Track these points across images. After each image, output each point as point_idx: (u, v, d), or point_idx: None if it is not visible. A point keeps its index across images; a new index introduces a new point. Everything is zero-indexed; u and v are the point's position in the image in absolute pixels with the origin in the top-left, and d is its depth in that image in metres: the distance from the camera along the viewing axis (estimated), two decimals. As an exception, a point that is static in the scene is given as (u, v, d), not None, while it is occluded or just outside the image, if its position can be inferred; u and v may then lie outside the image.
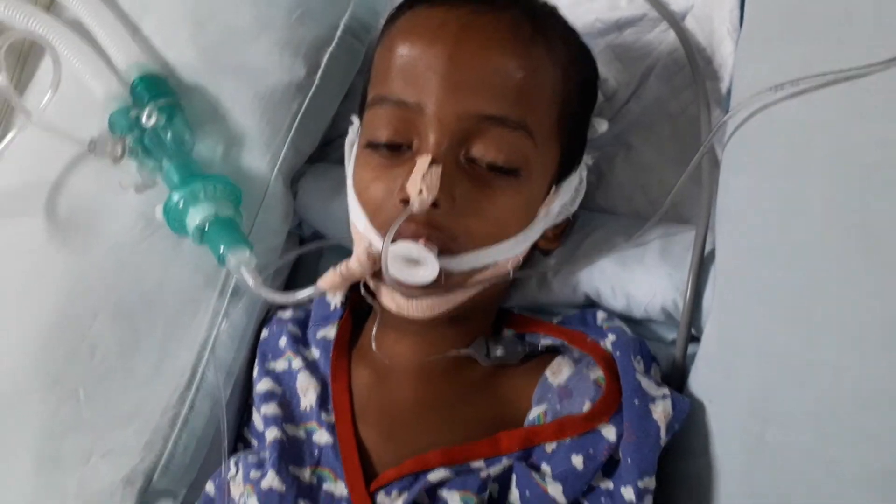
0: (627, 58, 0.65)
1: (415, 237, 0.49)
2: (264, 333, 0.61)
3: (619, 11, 0.66)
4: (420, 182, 0.48)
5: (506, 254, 0.53)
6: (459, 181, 0.50)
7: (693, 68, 0.60)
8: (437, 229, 0.50)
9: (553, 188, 0.54)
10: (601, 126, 0.59)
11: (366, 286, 0.55)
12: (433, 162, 0.48)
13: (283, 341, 0.59)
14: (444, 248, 0.50)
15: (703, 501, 0.48)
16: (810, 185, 0.44)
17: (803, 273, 0.44)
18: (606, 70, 0.63)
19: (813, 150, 0.45)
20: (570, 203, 0.57)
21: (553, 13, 0.57)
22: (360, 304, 0.59)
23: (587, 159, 0.58)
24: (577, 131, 0.57)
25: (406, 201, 0.49)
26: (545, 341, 0.56)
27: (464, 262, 0.51)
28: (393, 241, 0.48)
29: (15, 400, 0.54)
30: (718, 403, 0.49)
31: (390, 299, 0.53)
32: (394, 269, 0.49)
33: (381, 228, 0.51)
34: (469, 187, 0.50)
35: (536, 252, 0.59)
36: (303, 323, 0.61)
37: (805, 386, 0.42)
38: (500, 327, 0.59)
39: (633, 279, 0.56)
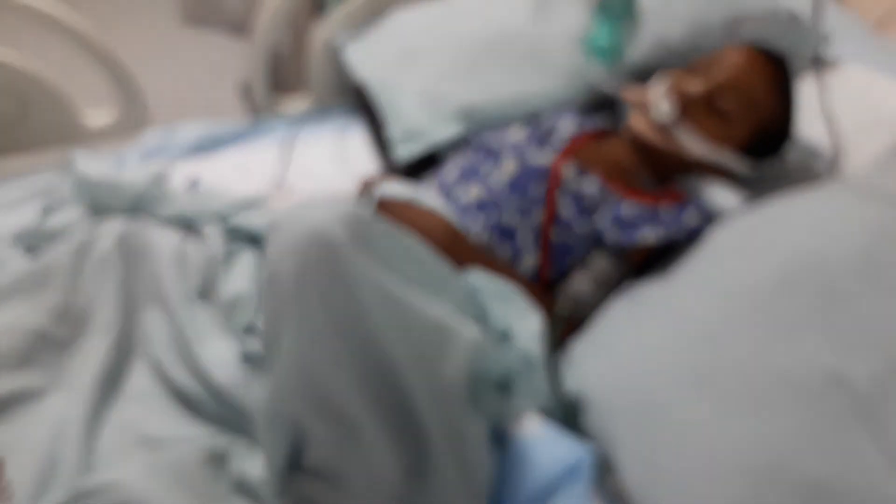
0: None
1: (672, 99, 0.99)
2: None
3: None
4: (698, 86, 1.00)
5: (693, 147, 1.00)
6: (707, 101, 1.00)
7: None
8: (683, 106, 1.00)
9: (731, 151, 1.01)
10: (766, 167, 1.07)
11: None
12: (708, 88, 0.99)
13: (569, 115, 1.13)
14: (676, 117, 0.99)
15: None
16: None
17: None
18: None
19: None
20: (733, 167, 1.03)
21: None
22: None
23: (751, 167, 1.04)
24: (758, 145, 1.03)
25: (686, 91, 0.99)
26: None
27: (678, 130, 1.00)
28: (663, 94, 1.00)
29: None
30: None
31: (636, 119, 1.03)
32: (654, 105, 1.00)
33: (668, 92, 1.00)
34: (708, 105, 1.00)
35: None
36: (579, 120, 1.12)
37: None
38: (660, 180, 1.06)
39: (720, 195, 1.01)
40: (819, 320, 0.74)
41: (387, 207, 0.97)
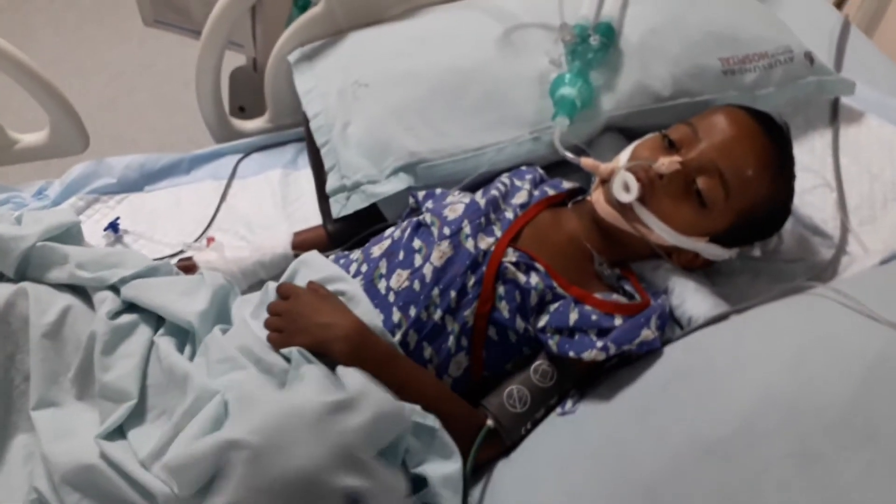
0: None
1: (637, 177, 0.82)
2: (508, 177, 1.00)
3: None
4: (671, 163, 0.83)
5: (662, 233, 0.85)
6: (681, 181, 0.84)
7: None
8: (650, 186, 0.83)
9: (708, 238, 0.85)
10: (755, 251, 0.89)
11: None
12: (681, 163, 0.83)
13: (528, 176, 0.99)
14: (642, 198, 0.83)
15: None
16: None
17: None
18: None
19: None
20: (709, 255, 0.89)
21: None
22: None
23: (734, 252, 0.88)
24: (745, 230, 0.87)
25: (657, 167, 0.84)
26: (627, 287, 0.88)
27: (644, 213, 0.84)
28: (627, 169, 0.84)
29: None
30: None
31: (597, 195, 0.88)
32: (616, 182, 0.83)
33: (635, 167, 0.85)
34: (682, 187, 0.84)
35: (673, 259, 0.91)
36: (539, 180, 1.00)
37: None
38: (619, 266, 0.91)
39: (691, 297, 0.87)
40: (786, 494, 0.59)
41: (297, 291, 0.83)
